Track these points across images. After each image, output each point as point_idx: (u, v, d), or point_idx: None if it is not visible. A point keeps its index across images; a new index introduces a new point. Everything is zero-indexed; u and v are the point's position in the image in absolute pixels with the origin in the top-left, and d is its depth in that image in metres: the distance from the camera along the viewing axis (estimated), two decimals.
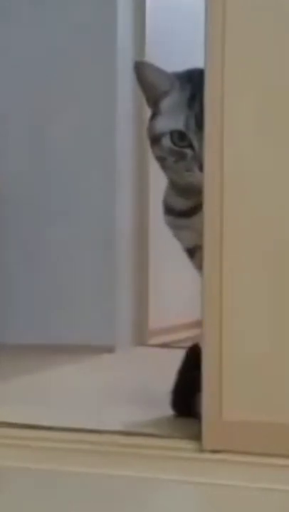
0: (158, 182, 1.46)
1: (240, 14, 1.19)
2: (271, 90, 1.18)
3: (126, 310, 2.78)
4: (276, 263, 1.17)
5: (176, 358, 1.42)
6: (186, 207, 1.39)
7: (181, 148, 1.34)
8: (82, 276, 2.77)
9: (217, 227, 1.19)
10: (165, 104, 1.38)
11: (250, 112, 1.19)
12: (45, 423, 1.36)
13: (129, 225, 2.83)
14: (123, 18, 2.81)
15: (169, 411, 1.42)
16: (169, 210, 1.43)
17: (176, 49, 2.77)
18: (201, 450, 1.18)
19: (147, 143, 1.43)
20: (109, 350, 2.59)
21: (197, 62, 1.29)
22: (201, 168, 1.30)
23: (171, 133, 1.35)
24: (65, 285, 2.78)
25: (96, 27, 2.77)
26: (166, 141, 1.36)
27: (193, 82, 1.36)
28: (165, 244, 1.45)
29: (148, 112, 1.43)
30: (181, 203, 1.40)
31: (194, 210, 1.36)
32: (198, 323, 1.24)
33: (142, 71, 1.38)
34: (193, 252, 1.37)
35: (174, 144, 1.35)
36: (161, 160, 1.38)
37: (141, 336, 2.75)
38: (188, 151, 1.34)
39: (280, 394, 1.16)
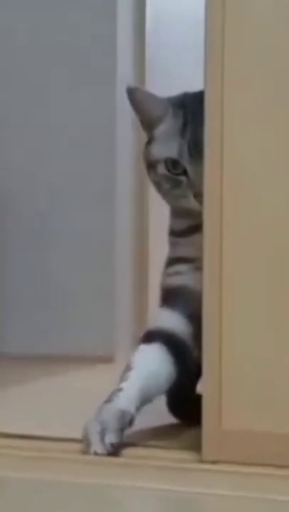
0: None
1: (241, 28, 1.18)
2: (273, 107, 1.17)
3: (125, 320, 2.77)
4: (277, 268, 1.15)
5: None
6: (183, 226, 1.39)
7: (175, 176, 1.35)
8: (82, 286, 2.77)
9: (217, 232, 1.17)
10: (159, 130, 1.38)
11: (249, 120, 1.18)
12: (41, 433, 1.34)
13: (128, 235, 2.82)
14: (123, 43, 2.82)
15: (168, 421, 1.41)
16: (170, 232, 1.44)
17: (177, 72, 2.78)
18: (201, 461, 1.17)
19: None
20: (109, 360, 2.58)
21: (197, 85, 1.28)
22: (196, 195, 1.32)
23: (166, 160, 1.36)
24: (64, 295, 2.78)
25: (96, 51, 2.79)
26: (161, 169, 1.37)
27: (185, 107, 1.36)
28: (165, 254, 1.45)
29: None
30: (178, 224, 1.41)
31: (192, 229, 1.36)
32: None
33: (134, 97, 1.38)
34: None
35: (169, 171, 1.36)
36: (157, 185, 1.40)
37: None
38: (183, 179, 1.35)
39: (282, 403, 1.14)
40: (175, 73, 2.80)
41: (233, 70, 1.17)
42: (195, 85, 1.33)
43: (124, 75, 2.77)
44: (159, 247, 1.49)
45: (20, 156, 2.84)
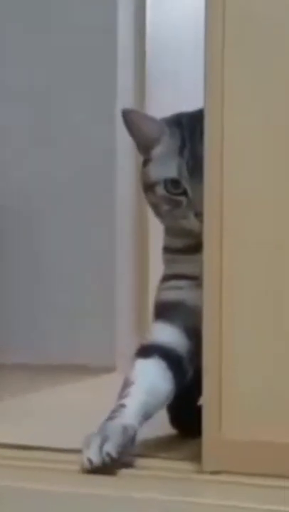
0: None
1: (241, 44, 1.18)
2: (274, 124, 1.16)
3: (127, 330, 2.77)
4: (277, 282, 1.15)
5: None
6: (181, 245, 1.38)
7: (175, 196, 1.34)
8: (82, 295, 2.76)
9: (217, 250, 1.17)
10: (156, 151, 1.37)
11: (250, 137, 1.17)
12: (42, 444, 1.34)
13: (129, 243, 2.82)
14: (123, 63, 2.83)
15: (168, 432, 1.40)
16: (166, 250, 1.42)
17: (177, 92, 2.77)
18: (201, 471, 1.16)
19: None
20: (110, 370, 2.58)
21: (198, 104, 1.27)
22: (196, 214, 1.31)
23: (165, 181, 1.35)
24: (65, 304, 2.78)
25: (96, 70, 2.79)
26: (160, 190, 1.35)
27: (182, 127, 1.36)
28: None
29: None
30: (176, 242, 1.39)
31: (191, 248, 1.35)
32: None
33: (130, 119, 1.37)
34: None
35: (168, 191, 1.34)
36: (155, 207, 1.38)
37: None
38: (182, 199, 1.34)
39: (283, 412, 1.14)
40: (175, 89, 2.81)
41: (234, 87, 1.17)
42: (195, 101, 1.31)
43: (125, 90, 2.78)
44: (160, 259, 1.48)
45: (19, 172, 2.85)
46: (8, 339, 2.78)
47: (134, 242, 2.83)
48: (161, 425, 1.39)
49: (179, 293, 1.36)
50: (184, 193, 1.33)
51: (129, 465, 1.19)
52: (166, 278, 1.40)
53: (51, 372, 2.50)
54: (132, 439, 1.21)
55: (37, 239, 2.83)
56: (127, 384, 1.30)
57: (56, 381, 2.32)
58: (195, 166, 1.30)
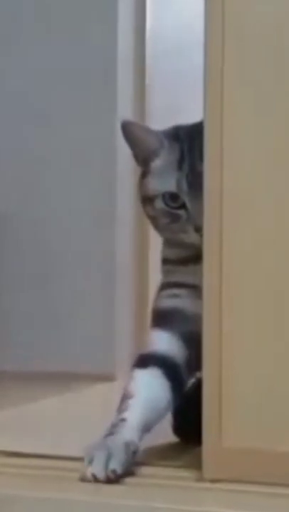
0: None
1: (240, 57, 1.18)
2: (273, 138, 1.16)
3: (126, 338, 2.77)
4: (279, 285, 1.15)
5: None
6: (179, 256, 1.38)
7: (174, 210, 1.33)
8: (82, 303, 2.76)
9: (216, 259, 1.17)
10: (156, 164, 1.36)
11: (250, 150, 1.17)
12: (42, 451, 1.33)
13: (129, 252, 2.83)
14: (124, 66, 2.84)
15: (168, 439, 1.40)
16: (165, 261, 1.42)
17: (177, 104, 2.78)
18: (202, 479, 1.16)
19: None
20: (110, 378, 2.57)
21: (198, 114, 1.26)
22: (196, 229, 1.30)
23: (164, 195, 1.34)
24: (65, 312, 2.78)
25: (96, 73, 2.80)
26: (159, 203, 1.35)
27: (180, 140, 1.36)
28: None
29: None
30: (174, 253, 1.39)
31: (189, 259, 1.34)
32: None
33: (129, 130, 1.37)
34: None
35: (167, 205, 1.34)
36: (153, 219, 1.38)
37: None
38: (182, 213, 1.33)
39: (282, 420, 1.14)
40: (175, 102, 2.82)
41: (233, 100, 1.17)
42: (194, 115, 1.31)
43: (124, 96, 2.79)
44: (159, 266, 1.48)
45: (20, 178, 2.85)
46: (8, 347, 2.78)
47: (135, 250, 2.84)
48: (162, 433, 1.39)
49: (177, 301, 1.36)
50: (183, 206, 1.33)
51: (129, 473, 1.19)
52: (164, 286, 1.40)
53: (50, 381, 2.50)
54: (133, 455, 1.21)
55: (37, 247, 2.83)
56: (126, 396, 1.29)
57: (55, 389, 2.32)
58: (194, 180, 1.30)
